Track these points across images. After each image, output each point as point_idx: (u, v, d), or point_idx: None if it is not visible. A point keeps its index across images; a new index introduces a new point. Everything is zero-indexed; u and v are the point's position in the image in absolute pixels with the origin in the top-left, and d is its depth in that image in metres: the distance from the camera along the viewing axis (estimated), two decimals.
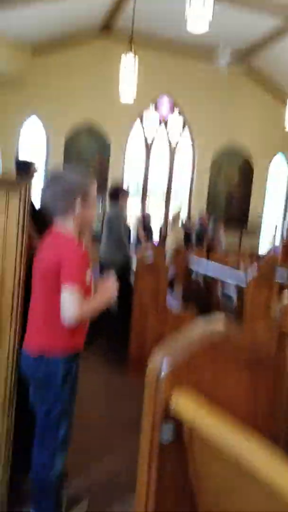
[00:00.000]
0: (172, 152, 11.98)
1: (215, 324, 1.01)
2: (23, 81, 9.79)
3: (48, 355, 1.81)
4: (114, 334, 5.22)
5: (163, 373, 0.92)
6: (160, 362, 0.94)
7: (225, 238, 9.55)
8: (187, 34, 7.49)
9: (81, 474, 2.44)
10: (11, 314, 1.94)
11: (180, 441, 0.92)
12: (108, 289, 1.91)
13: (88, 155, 10.57)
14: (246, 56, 10.61)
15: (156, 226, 10.45)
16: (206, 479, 0.89)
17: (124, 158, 11.29)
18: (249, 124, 11.87)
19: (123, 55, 8.26)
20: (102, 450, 2.72)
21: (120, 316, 5.49)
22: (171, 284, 6.21)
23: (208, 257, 8.08)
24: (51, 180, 1.91)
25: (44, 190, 1.91)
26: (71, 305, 1.72)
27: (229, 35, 9.35)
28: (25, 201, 1.90)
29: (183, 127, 11.89)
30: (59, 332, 1.80)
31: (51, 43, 9.95)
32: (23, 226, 1.91)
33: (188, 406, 0.89)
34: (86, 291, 1.82)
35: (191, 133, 11.81)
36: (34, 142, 10.36)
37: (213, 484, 0.87)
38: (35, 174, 4.30)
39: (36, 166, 4.22)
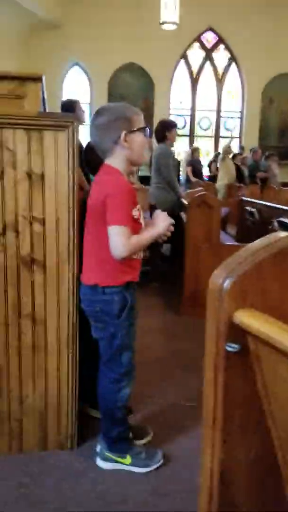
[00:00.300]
0: (220, 85, 11.41)
1: (283, 235, 0.94)
2: (62, 24, 9.49)
3: (102, 285, 1.82)
4: (167, 275, 5.24)
5: (226, 283, 0.87)
6: (223, 274, 0.89)
7: (280, 171, 9.11)
8: None
9: (144, 407, 2.50)
10: (68, 250, 1.96)
11: (246, 353, 0.89)
12: (159, 224, 1.86)
13: (133, 98, 10.26)
14: None
15: (206, 162, 10.14)
16: (274, 387, 0.85)
17: (169, 97, 10.89)
18: None
19: None
20: (162, 385, 2.78)
21: (173, 257, 5.47)
22: (224, 223, 6.07)
23: (262, 192, 7.80)
24: (96, 114, 1.84)
25: (90, 126, 1.85)
26: (118, 243, 1.71)
27: None
28: (73, 138, 1.86)
29: (230, 60, 11.23)
30: (110, 266, 1.80)
31: None
32: (73, 164, 1.89)
33: (254, 315, 0.84)
34: (134, 228, 1.78)
35: (238, 65, 11.14)
36: (77, 89, 10.18)
37: (281, 391, 0.83)
38: (83, 115, 4.22)
39: (80, 104, 4.13)
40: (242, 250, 0.91)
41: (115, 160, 1.82)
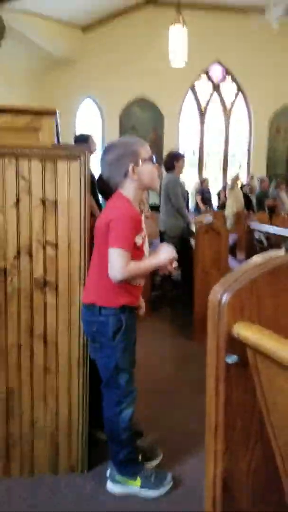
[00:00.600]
0: (227, 117, 11.66)
1: (276, 252, 1.00)
2: (75, 61, 9.86)
3: (99, 304, 1.87)
4: (178, 300, 5.28)
5: (224, 298, 0.94)
6: (221, 289, 0.96)
7: None
8: None
9: (153, 430, 2.52)
10: (79, 273, 2.03)
11: (245, 365, 0.94)
12: (160, 255, 1.88)
13: (143, 129, 10.56)
14: None
15: (214, 192, 10.28)
16: (273, 398, 0.90)
17: (178, 128, 11.15)
18: None
19: (171, 26, 8.08)
20: (171, 408, 2.80)
21: (183, 282, 5.52)
22: (232, 250, 6.13)
23: (270, 220, 7.87)
24: (105, 151, 1.94)
25: (101, 162, 1.95)
26: (115, 266, 1.77)
27: None
28: (85, 168, 1.97)
29: (237, 92, 11.52)
30: (107, 287, 1.85)
31: (99, 19, 9.95)
32: (85, 192, 1.99)
33: (251, 328, 0.90)
34: (136, 255, 1.84)
35: (245, 97, 11.43)
36: (89, 122, 10.48)
37: (279, 402, 0.88)
38: (94, 147, 4.37)
39: (93, 138, 4.29)
40: (239, 267, 0.97)
41: (126, 190, 1.91)
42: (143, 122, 10.44)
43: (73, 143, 4.20)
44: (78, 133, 5.34)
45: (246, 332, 0.90)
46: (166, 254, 1.88)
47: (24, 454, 2.11)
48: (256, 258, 0.99)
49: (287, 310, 0.98)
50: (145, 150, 1.92)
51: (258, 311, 0.95)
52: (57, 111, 1.94)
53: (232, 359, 0.92)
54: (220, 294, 0.95)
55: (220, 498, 0.95)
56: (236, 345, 0.94)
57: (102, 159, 1.93)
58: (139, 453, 2.10)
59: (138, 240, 1.86)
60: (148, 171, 1.91)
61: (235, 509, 0.96)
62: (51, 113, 1.94)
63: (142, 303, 2.15)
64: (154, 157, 1.96)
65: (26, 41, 8.25)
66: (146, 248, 1.97)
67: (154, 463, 2.20)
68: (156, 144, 10.47)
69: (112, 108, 10.38)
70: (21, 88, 8.52)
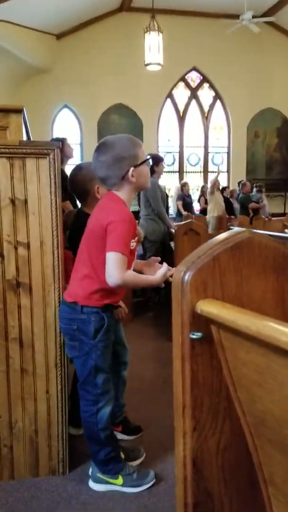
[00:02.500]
0: (206, 122, 11.77)
1: (239, 230, 1.00)
2: (51, 69, 9.86)
3: (81, 303, 1.85)
4: (161, 305, 5.27)
5: (187, 276, 0.93)
6: (184, 267, 0.95)
7: (268, 203, 9.33)
8: (210, 1, 7.00)
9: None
10: (53, 272, 2.01)
11: (211, 342, 0.93)
12: (159, 277, 1.88)
13: None
14: (274, 12, 10.14)
15: (196, 196, 10.35)
16: (238, 373, 0.89)
17: (157, 135, 11.22)
18: (283, 84, 11.44)
19: (146, 34, 8.15)
20: (154, 409, 2.78)
21: (166, 286, 5.52)
22: None
23: (251, 223, 7.94)
24: (100, 149, 1.86)
25: (94, 161, 1.87)
26: (115, 271, 1.72)
27: None
28: (55, 165, 1.95)
29: (215, 98, 11.66)
30: (94, 287, 1.84)
31: (74, 27, 9.98)
32: (55, 189, 1.97)
33: (214, 303, 0.90)
34: (129, 258, 1.81)
35: (223, 103, 11.56)
36: (67, 129, 10.48)
37: (243, 376, 0.88)
38: (71, 152, 4.35)
39: (68, 142, 4.28)
40: (202, 245, 0.97)
41: (121, 192, 1.87)
42: (121, 128, 10.46)
43: None
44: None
45: (209, 307, 0.89)
46: (163, 277, 1.88)
47: (3, 458, 2.07)
48: (220, 235, 0.99)
49: (249, 286, 0.98)
50: (142, 152, 1.89)
51: (221, 287, 0.95)
52: (24, 108, 1.93)
53: (196, 335, 0.92)
54: (182, 273, 0.95)
55: (190, 479, 0.94)
56: (200, 322, 0.93)
57: (98, 159, 1.85)
58: (121, 452, 2.08)
59: (132, 244, 1.85)
60: (145, 173, 1.90)
61: (206, 489, 0.95)
62: (18, 110, 1.93)
63: (121, 303, 2.13)
64: (149, 159, 1.95)
65: (0, 50, 8.24)
66: (135, 252, 1.95)
67: (137, 462, 2.18)
68: None
69: (90, 115, 10.41)
70: None
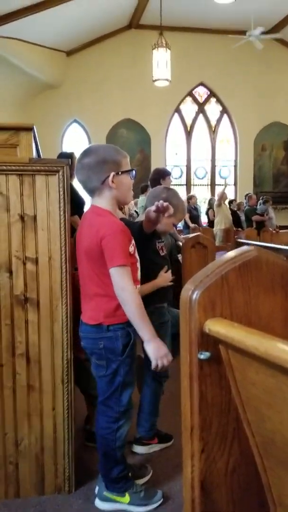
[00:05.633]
0: (213, 136, 11.84)
1: (247, 248, 1.00)
2: (61, 85, 10.00)
3: (106, 323, 1.83)
4: None
5: (195, 295, 0.93)
6: (192, 286, 0.95)
7: (275, 215, 9.30)
8: (216, 18, 7.08)
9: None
10: (61, 288, 2.01)
11: (219, 361, 0.93)
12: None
13: (130, 150, 10.60)
14: (280, 28, 10.24)
15: (203, 209, 10.36)
16: (246, 393, 0.88)
17: (165, 149, 11.28)
18: None
19: (154, 51, 8.26)
20: (160, 425, 2.74)
21: (174, 300, 5.50)
22: None
23: (259, 235, 7.93)
24: (84, 154, 1.88)
25: (77, 164, 1.89)
26: (124, 283, 1.73)
27: (260, 10, 9.05)
28: (64, 182, 1.96)
29: (222, 112, 11.74)
30: (113, 304, 1.81)
31: (83, 43, 10.13)
32: (64, 206, 1.98)
33: (221, 323, 0.89)
34: (130, 262, 1.81)
35: (230, 117, 11.63)
36: (76, 144, 10.58)
37: (252, 396, 0.87)
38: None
39: (76, 156, 4.31)
40: (210, 264, 0.97)
41: (103, 201, 1.86)
42: (129, 143, 10.55)
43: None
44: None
45: (217, 326, 0.89)
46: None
47: (9, 475, 2.05)
48: (228, 253, 0.99)
49: (257, 304, 0.97)
50: (126, 162, 1.89)
51: (229, 306, 0.94)
52: (34, 127, 1.95)
53: (205, 355, 0.91)
54: (191, 292, 0.94)
55: (198, 501, 0.92)
56: (209, 342, 0.93)
57: (80, 161, 1.85)
58: (130, 470, 2.05)
59: (131, 248, 1.85)
60: (126, 182, 1.88)
61: (216, 511, 0.93)
62: (29, 129, 1.95)
63: None
64: (133, 172, 1.95)
65: (11, 67, 8.38)
66: (136, 254, 1.95)
67: (144, 480, 2.14)
68: (144, 165, 10.58)
69: (99, 129, 10.51)
70: (6, 113, 8.60)
